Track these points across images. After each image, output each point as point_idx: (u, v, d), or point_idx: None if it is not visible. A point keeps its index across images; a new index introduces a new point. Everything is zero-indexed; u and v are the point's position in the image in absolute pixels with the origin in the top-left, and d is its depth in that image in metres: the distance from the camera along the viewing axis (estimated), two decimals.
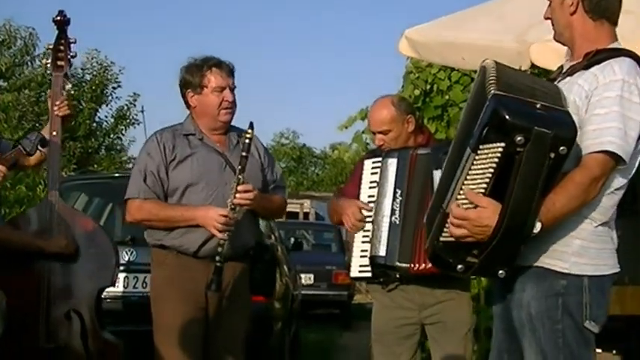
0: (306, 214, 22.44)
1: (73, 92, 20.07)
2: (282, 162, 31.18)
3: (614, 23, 2.61)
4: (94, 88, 20.17)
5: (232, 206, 3.47)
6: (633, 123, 2.40)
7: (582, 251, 2.46)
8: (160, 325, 3.67)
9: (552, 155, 2.26)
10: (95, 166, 20.84)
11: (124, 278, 5.20)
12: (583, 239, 2.46)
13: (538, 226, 2.32)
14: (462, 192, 2.36)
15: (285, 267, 6.64)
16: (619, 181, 2.49)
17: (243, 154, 3.51)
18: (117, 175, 6.40)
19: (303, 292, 9.34)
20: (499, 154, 2.26)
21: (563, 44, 2.68)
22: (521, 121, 2.24)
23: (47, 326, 3.65)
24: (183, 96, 3.75)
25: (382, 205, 3.50)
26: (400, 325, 3.72)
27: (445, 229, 2.42)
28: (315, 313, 11.09)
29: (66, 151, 19.60)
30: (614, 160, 2.38)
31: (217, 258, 3.44)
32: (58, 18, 3.99)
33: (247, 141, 3.52)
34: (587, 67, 2.51)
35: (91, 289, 3.76)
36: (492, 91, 2.30)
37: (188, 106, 3.77)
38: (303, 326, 8.99)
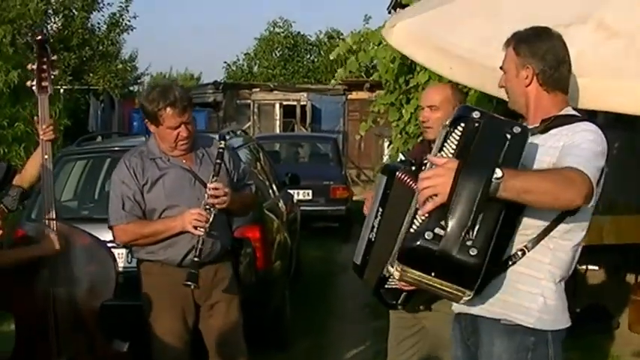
0: (302, 107, 22.56)
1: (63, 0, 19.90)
2: (276, 51, 30.79)
3: (566, 92, 2.79)
4: None
5: (207, 207, 3.79)
6: (597, 171, 2.53)
7: (546, 308, 2.65)
8: (153, 328, 4.04)
9: (508, 135, 2.47)
10: (91, 74, 20.82)
11: (127, 254, 5.27)
12: (546, 297, 2.65)
13: (499, 172, 2.34)
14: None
15: (281, 220, 6.83)
16: (579, 236, 2.70)
17: (218, 161, 3.87)
18: (116, 148, 6.51)
19: (302, 207, 9.46)
20: (459, 134, 2.52)
21: (518, 111, 2.84)
22: (477, 109, 2.58)
23: (57, 342, 3.86)
24: (144, 119, 4.03)
25: (370, 217, 3.59)
26: (402, 315, 3.88)
27: None
28: (314, 226, 11.22)
29: (60, 62, 19.62)
30: (590, 186, 2.44)
31: (195, 253, 3.77)
32: (39, 37, 4.06)
33: (220, 150, 3.90)
34: (544, 131, 2.69)
35: (94, 304, 3.95)
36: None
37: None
38: (304, 237, 9.22)
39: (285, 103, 22.73)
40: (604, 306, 6.60)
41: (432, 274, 2.46)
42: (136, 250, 4.07)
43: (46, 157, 3.91)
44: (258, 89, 22.90)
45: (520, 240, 2.65)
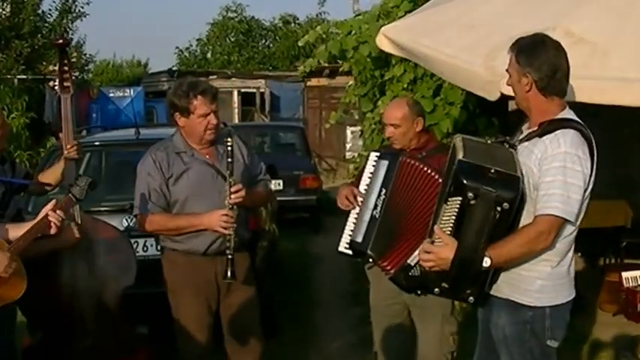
0: (262, 94, 22.64)
1: None
2: (230, 37, 30.47)
3: (563, 96, 3.13)
4: None
5: (230, 206, 3.95)
6: (576, 187, 2.99)
7: (542, 289, 3.15)
8: (178, 316, 4.24)
9: (498, 209, 2.92)
10: (44, 63, 20.50)
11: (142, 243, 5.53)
12: (543, 279, 3.14)
13: (487, 261, 2.99)
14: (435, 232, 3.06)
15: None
16: (569, 230, 3.12)
17: (229, 160, 3.96)
18: (108, 142, 6.67)
19: None
20: (458, 205, 2.97)
21: (523, 111, 3.20)
22: (472, 183, 2.91)
23: (83, 325, 4.13)
24: (171, 116, 4.16)
25: (369, 198, 3.94)
26: (388, 304, 4.21)
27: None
28: (285, 217, 11.10)
29: (12, 51, 19.27)
30: (561, 220, 3.01)
31: (228, 252, 3.95)
32: (61, 41, 4.22)
33: (229, 148, 3.96)
34: (541, 134, 3.07)
35: (116, 290, 4.23)
36: (458, 157, 2.97)
37: (176, 124, 4.17)
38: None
39: (243, 90, 22.70)
40: (576, 287, 6.89)
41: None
42: (163, 239, 4.24)
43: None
44: (215, 77, 22.77)
45: None
